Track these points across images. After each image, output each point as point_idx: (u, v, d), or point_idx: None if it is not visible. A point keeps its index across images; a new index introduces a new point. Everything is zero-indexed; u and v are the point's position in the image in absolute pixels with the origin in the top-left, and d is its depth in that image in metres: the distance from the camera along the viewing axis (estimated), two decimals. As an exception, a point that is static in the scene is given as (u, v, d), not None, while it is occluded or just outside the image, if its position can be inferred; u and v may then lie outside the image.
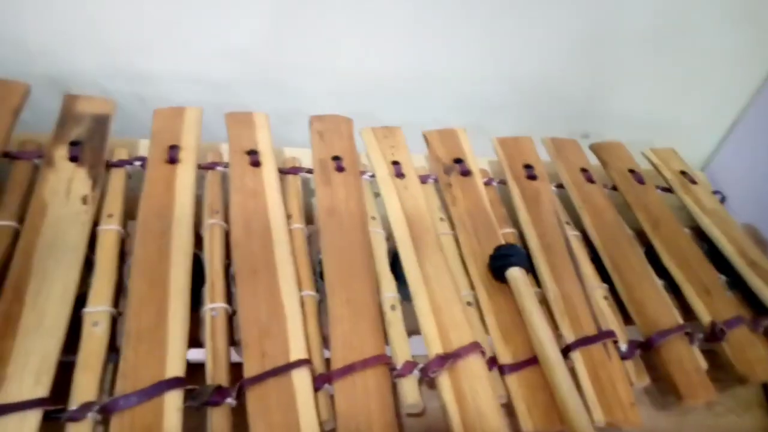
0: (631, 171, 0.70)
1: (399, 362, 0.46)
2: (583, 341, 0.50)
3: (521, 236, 0.60)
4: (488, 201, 0.60)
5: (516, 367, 0.47)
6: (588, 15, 0.73)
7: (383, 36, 0.70)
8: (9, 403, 0.38)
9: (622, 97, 0.85)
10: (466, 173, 0.62)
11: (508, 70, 0.75)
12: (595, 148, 0.73)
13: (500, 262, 0.52)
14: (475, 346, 0.48)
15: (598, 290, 0.57)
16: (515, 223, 0.61)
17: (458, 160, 0.63)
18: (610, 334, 0.52)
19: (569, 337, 0.51)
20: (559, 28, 0.73)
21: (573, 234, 0.61)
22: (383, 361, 0.45)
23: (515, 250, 0.53)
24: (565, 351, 0.50)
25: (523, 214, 0.60)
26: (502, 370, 0.48)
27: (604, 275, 0.59)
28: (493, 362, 0.49)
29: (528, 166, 0.65)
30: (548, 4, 0.70)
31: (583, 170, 0.68)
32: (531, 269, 0.55)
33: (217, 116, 0.62)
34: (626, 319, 0.56)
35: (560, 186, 0.66)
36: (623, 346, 0.52)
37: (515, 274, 0.51)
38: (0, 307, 0.42)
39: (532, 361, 0.47)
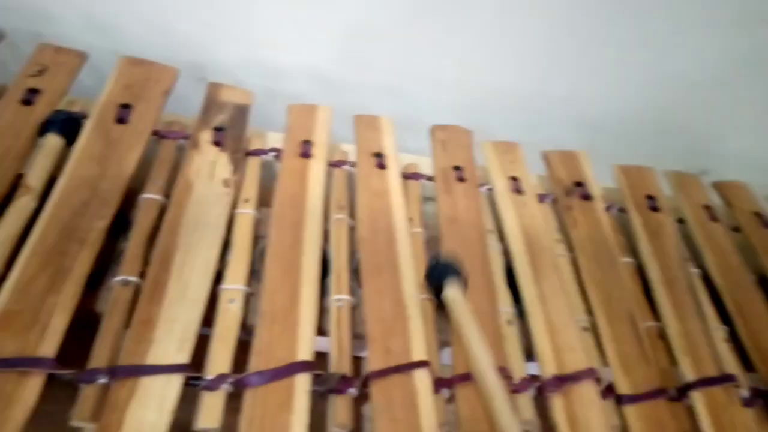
0: (757, 214, 0.68)
1: (513, 377, 0.48)
2: (705, 382, 0.50)
3: (639, 267, 0.60)
4: (608, 228, 0.60)
5: (636, 398, 0.47)
6: (713, 53, 0.72)
7: (510, 53, 0.71)
8: (156, 364, 0.41)
9: (745, 136, 0.84)
10: (586, 197, 0.63)
11: (633, 99, 0.75)
12: (718, 187, 0.71)
13: (438, 281, 0.49)
14: (590, 372, 0.48)
15: (718, 332, 0.56)
16: (633, 252, 0.61)
17: (579, 184, 0.64)
18: (731, 377, 0.51)
19: (689, 376, 0.50)
20: (689, 64, 0.73)
21: (693, 271, 0.60)
22: (504, 374, 0.47)
23: (452, 267, 0.49)
24: (684, 389, 0.49)
25: (645, 245, 0.60)
26: (620, 399, 0.48)
27: (723, 317, 0.58)
28: (607, 391, 0.49)
29: (650, 197, 0.65)
30: (681, 39, 0.70)
31: (706, 207, 0.67)
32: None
33: (338, 117, 0.65)
34: (746, 365, 0.54)
35: (680, 221, 0.66)
36: (744, 393, 0.51)
37: (452, 294, 0.48)
38: (150, 274, 0.46)
39: (655, 393, 0.47)
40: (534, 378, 0.48)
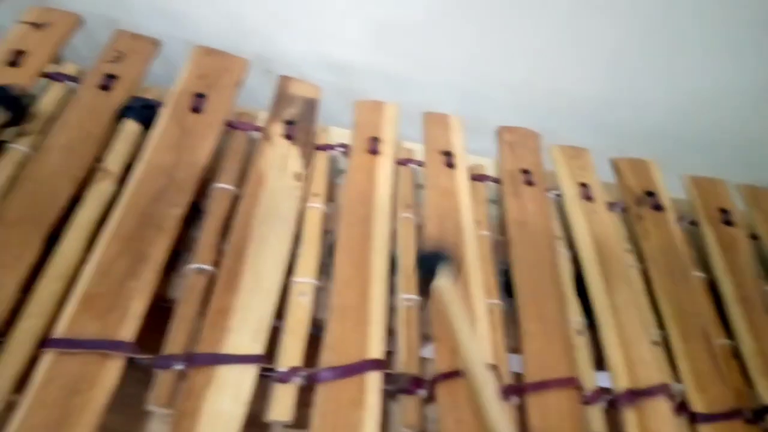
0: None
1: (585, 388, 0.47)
2: (783, 405, 0.48)
3: (711, 282, 0.58)
4: (680, 240, 0.59)
5: (711, 417, 0.46)
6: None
7: (580, 57, 0.70)
8: (233, 354, 0.42)
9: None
10: (658, 208, 0.61)
11: (705, 109, 0.73)
12: (793, 203, 0.69)
13: (428, 271, 0.46)
14: (664, 388, 0.47)
15: (794, 354, 0.54)
16: (704, 267, 0.60)
17: (650, 193, 0.63)
18: (811, 403, 0.49)
19: (766, 398, 0.49)
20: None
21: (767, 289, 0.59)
22: (575, 384, 0.46)
23: (443, 258, 0.46)
24: (761, 411, 0.48)
25: (718, 260, 0.58)
26: (695, 417, 0.47)
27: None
28: (680, 407, 0.48)
29: (723, 210, 0.63)
30: (759, 50, 0.68)
31: (781, 224, 0.65)
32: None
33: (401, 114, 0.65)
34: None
35: (753, 236, 0.64)
36: (824, 420, 0.49)
37: (443, 285, 0.45)
38: (224, 263, 0.47)
39: (731, 414, 0.46)
40: (604, 390, 0.47)
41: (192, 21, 0.71)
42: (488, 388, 0.40)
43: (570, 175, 0.63)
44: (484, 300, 0.50)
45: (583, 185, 0.62)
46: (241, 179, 0.54)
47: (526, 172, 0.61)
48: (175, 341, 0.42)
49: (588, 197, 0.61)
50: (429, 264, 0.46)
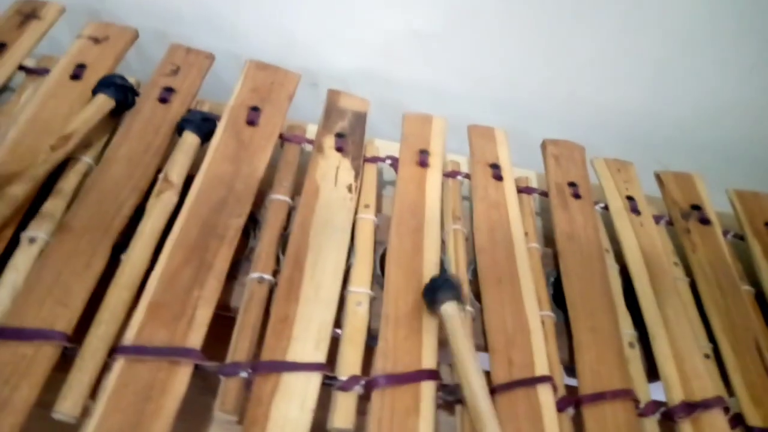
0: None
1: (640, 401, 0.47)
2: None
3: (758, 296, 0.58)
4: (728, 253, 0.59)
5: (768, 431, 0.46)
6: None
7: (627, 71, 0.71)
8: (297, 362, 0.43)
9: None
10: (705, 221, 0.62)
11: (753, 123, 0.73)
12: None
13: (435, 295, 0.47)
14: (719, 401, 0.48)
15: None
16: (751, 280, 0.60)
17: (695, 207, 0.63)
18: None
19: (820, 414, 0.49)
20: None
21: (816, 304, 0.59)
22: (630, 396, 0.46)
23: (450, 283, 0.48)
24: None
25: (765, 273, 0.59)
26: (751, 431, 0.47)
27: None
28: (735, 421, 0.48)
29: (769, 224, 0.63)
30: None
31: (827, 238, 0.65)
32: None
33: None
34: None
35: (800, 251, 0.64)
36: None
37: (450, 310, 0.46)
38: (284, 272, 0.48)
39: (790, 429, 0.46)
40: (658, 402, 0.48)
41: (241, 34, 0.73)
42: (492, 422, 0.40)
43: (616, 189, 0.63)
44: (537, 311, 0.50)
45: (630, 198, 0.62)
46: (295, 191, 0.56)
47: (572, 184, 0.62)
48: (239, 349, 0.43)
49: (635, 210, 0.61)
50: (435, 292, 0.47)
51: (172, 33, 0.68)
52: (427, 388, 0.44)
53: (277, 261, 0.50)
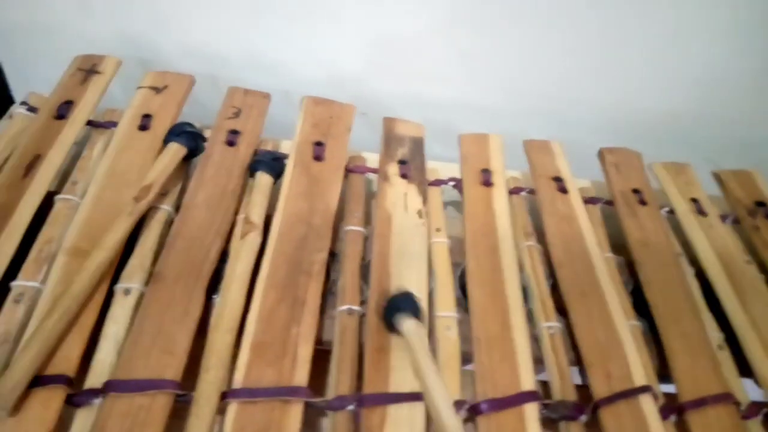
0: None
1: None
2: None
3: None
4: (799, 248, 0.60)
5: None
6: None
7: (675, 75, 0.72)
8: (399, 392, 0.43)
9: None
10: (772, 217, 0.62)
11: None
12: None
13: (394, 314, 0.47)
14: (819, 397, 0.47)
15: None
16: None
17: (760, 203, 0.63)
18: None
19: None
20: None
21: None
22: (731, 399, 0.46)
23: (409, 300, 0.48)
24: None
25: (841, 265, 0.59)
26: None
27: None
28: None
29: (835, 216, 0.63)
30: None
31: None
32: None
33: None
34: None
35: None
36: None
37: (410, 327, 0.46)
38: (372, 303, 0.49)
39: None
40: (759, 404, 0.47)
41: (288, 70, 0.75)
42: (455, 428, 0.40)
43: (678, 192, 0.64)
44: (625, 322, 0.51)
45: (694, 200, 0.63)
46: (366, 220, 0.57)
47: (636, 191, 0.62)
48: (341, 382, 0.44)
49: (701, 212, 0.62)
50: (396, 310, 0.47)
51: (224, 77, 0.70)
52: (531, 410, 0.44)
53: (360, 291, 0.51)
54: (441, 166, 0.65)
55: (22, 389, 0.39)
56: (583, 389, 0.48)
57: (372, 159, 0.63)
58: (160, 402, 0.40)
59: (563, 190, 0.61)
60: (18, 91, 0.80)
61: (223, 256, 0.51)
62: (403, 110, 0.76)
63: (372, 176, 0.61)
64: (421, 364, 0.44)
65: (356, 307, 0.49)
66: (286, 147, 0.61)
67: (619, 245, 0.60)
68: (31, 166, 0.53)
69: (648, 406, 0.45)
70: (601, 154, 0.66)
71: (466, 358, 0.48)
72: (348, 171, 0.60)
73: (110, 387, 0.40)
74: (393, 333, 0.47)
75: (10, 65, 0.77)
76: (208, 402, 0.40)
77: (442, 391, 0.42)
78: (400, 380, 0.44)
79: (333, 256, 0.55)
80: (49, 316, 0.42)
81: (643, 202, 0.61)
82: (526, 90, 0.76)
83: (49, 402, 0.40)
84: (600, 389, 0.46)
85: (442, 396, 0.42)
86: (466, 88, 0.77)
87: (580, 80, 0.75)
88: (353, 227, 0.55)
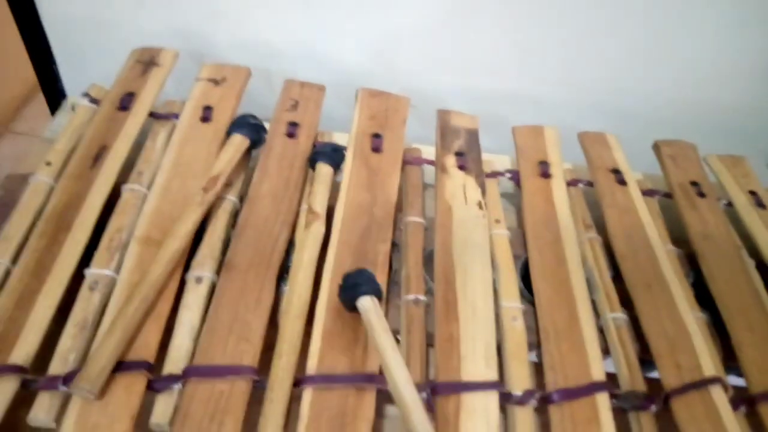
0: None
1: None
2: None
3: None
4: None
5: None
6: None
7: (731, 68, 0.72)
8: (472, 381, 0.44)
9: None
10: (832, 210, 0.61)
11: None
12: None
13: (351, 291, 0.46)
14: None
15: None
16: None
17: (817, 196, 0.63)
18: None
19: None
20: None
21: None
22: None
23: (365, 277, 0.48)
24: None
25: None
26: None
27: None
28: None
29: None
30: None
31: None
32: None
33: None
34: None
35: None
36: None
37: (366, 304, 0.45)
38: (437, 293, 0.49)
39: None
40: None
41: (339, 64, 0.75)
42: (418, 412, 0.40)
43: (736, 184, 0.63)
44: (691, 313, 0.51)
45: (752, 193, 0.62)
46: (424, 212, 0.57)
47: (695, 184, 0.62)
48: (412, 370, 0.44)
49: (760, 204, 0.61)
50: (354, 286, 0.46)
51: (278, 70, 0.71)
52: (602, 399, 0.45)
53: (424, 281, 0.52)
54: (491, 158, 0.65)
55: (108, 373, 0.40)
56: (648, 380, 0.48)
57: (425, 151, 0.63)
58: (240, 388, 0.41)
59: (622, 182, 0.61)
60: (69, 83, 0.81)
61: (287, 246, 0.52)
62: (448, 102, 0.77)
63: (427, 168, 0.62)
64: (378, 341, 0.43)
65: (422, 297, 0.49)
66: (338, 139, 0.62)
67: (674, 237, 0.60)
68: (98, 157, 0.54)
69: (719, 397, 0.45)
70: (657, 147, 0.66)
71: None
72: (404, 162, 0.60)
73: (191, 373, 0.41)
74: (351, 311, 0.46)
75: (63, 58, 0.78)
76: (281, 387, 0.41)
77: (402, 368, 0.42)
78: (472, 369, 0.45)
79: (393, 246, 0.56)
80: (129, 304, 0.43)
81: (701, 195, 0.61)
82: (576, 82, 0.76)
83: (132, 387, 0.41)
84: (670, 380, 0.46)
85: (401, 373, 0.42)
86: (515, 80, 0.77)
87: (633, 71, 0.74)
88: (413, 218, 0.55)
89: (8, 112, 1.53)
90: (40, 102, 1.71)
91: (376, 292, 0.46)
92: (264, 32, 0.75)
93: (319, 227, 0.51)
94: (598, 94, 0.76)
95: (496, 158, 0.66)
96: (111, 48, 0.76)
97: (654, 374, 0.49)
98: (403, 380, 0.41)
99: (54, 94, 0.82)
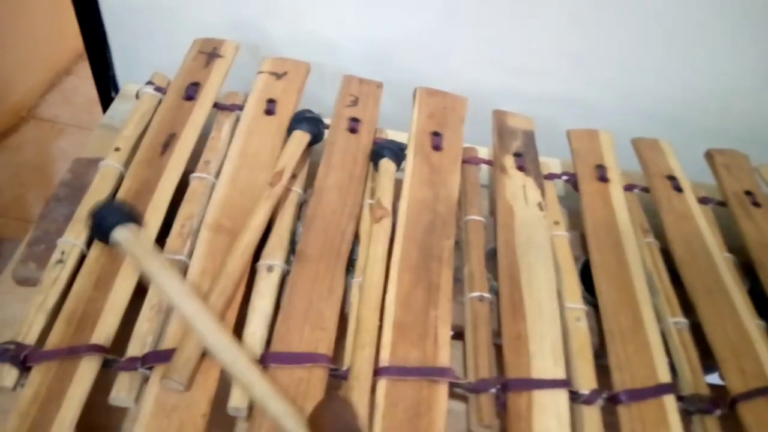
0: None
1: None
2: None
3: None
4: None
5: None
6: None
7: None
8: (542, 378, 0.45)
9: None
10: None
11: None
12: None
13: (103, 227, 0.45)
14: None
15: None
16: None
17: None
18: None
19: None
20: None
21: None
22: None
23: (113, 209, 0.47)
24: None
25: None
26: None
27: None
28: None
29: None
30: None
31: None
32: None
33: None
34: None
35: None
36: None
37: (123, 235, 0.44)
38: (503, 291, 0.50)
39: None
40: None
41: (392, 63, 0.76)
42: (201, 319, 0.40)
43: (789, 193, 0.64)
44: (752, 320, 0.51)
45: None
46: (481, 209, 0.58)
47: (749, 193, 0.63)
48: (480, 366, 0.45)
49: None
50: (102, 221, 0.46)
51: (332, 66, 0.71)
52: (669, 401, 0.45)
53: (486, 279, 0.52)
54: (544, 160, 0.66)
55: (195, 363, 0.41)
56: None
57: (480, 151, 0.64)
58: (317, 375, 0.42)
59: (678, 189, 0.61)
60: (121, 72, 0.82)
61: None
62: (497, 103, 0.78)
63: (484, 167, 0.63)
64: (145, 265, 0.43)
65: (487, 294, 0.50)
66: (393, 136, 0.63)
67: (728, 245, 0.61)
68: (167, 144, 0.55)
69: (786, 403, 0.46)
70: (710, 155, 0.67)
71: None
72: (462, 162, 0.61)
73: (269, 359, 0.42)
74: (110, 245, 0.46)
75: (117, 46, 0.80)
76: (366, 377, 0.42)
77: (177, 282, 0.42)
78: (541, 367, 0.45)
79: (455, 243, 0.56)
80: (210, 294, 0.44)
81: (756, 204, 0.61)
82: (626, 87, 0.77)
83: (209, 372, 0.41)
84: (735, 385, 0.47)
85: (175, 287, 0.42)
86: (564, 83, 0.78)
87: (685, 81, 0.75)
88: (474, 217, 0.56)
89: (32, 98, 1.55)
90: (63, 89, 1.72)
91: (129, 218, 0.46)
92: (320, 27, 0.76)
93: (387, 222, 0.52)
94: (646, 100, 0.77)
95: (549, 160, 0.67)
96: (166, 38, 0.77)
97: (711, 379, 0.50)
98: (174, 292, 0.42)
99: (105, 81, 0.83)
